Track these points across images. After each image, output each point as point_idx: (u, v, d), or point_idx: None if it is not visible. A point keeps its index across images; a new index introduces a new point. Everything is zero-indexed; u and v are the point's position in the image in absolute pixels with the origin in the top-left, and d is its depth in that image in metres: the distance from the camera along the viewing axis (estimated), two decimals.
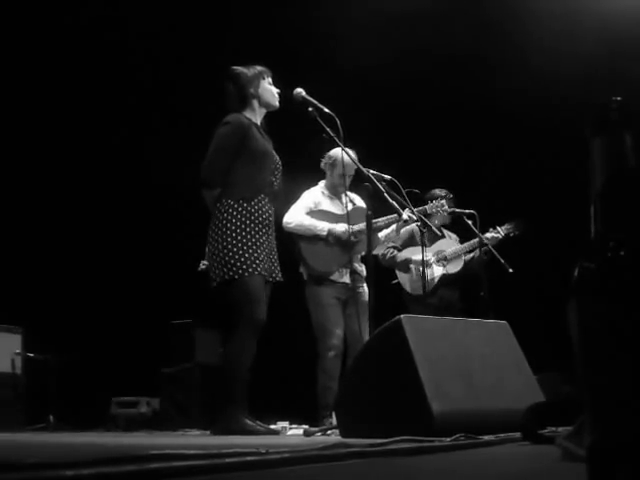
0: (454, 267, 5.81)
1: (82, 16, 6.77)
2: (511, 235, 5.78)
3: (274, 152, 4.40)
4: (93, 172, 7.47)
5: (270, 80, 4.43)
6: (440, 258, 5.84)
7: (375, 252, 5.28)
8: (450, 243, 5.90)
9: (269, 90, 4.41)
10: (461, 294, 5.98)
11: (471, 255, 5.86)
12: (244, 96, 4.38)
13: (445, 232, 6.03)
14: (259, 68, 4.41)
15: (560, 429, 2.29)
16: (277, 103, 4.44)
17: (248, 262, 4.09)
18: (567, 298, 0.95)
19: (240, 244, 4.12)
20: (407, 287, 5.84)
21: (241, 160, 4.23)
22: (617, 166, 0.99)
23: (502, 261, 5.52)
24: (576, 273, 0.92)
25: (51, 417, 6.33)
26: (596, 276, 0.90)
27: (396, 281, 5.92)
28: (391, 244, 5.93)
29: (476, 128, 6.68)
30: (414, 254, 5.78)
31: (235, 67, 4.42)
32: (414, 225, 5.32)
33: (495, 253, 5.56)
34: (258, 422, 4.16)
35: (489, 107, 6.57)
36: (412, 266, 5.78)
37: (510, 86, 6.26)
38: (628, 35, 5.96)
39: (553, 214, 6.33)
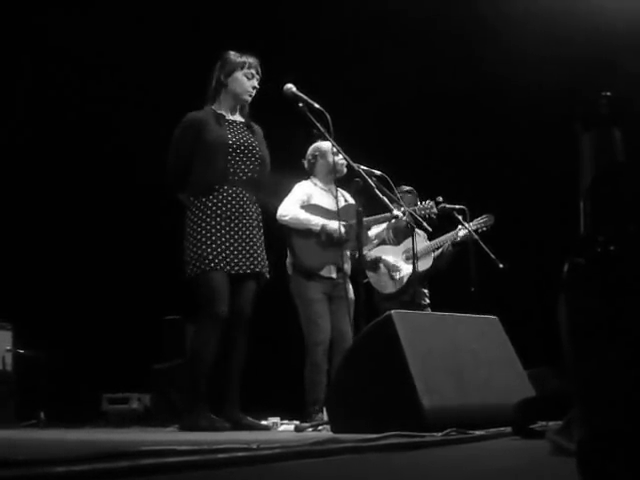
0: (423, 264, 5.80)
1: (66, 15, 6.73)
2: (480, 231, 5.71)
3: (252, 142, 4.28)
4: (83, 168, 7.42)
5: (251, 72, 4.29)
6: (409, 256, 5.83)
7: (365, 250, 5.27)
8: (420, 240, 5.87)
9: (240, 81, 4.28)
10: (430, 290, 5.98)
11: (440, 251, 5.85)
12: (217, 82, 4.32)
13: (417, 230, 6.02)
14: (243, 58, 4.29)
15: (550, 424, 2.31)
16: (247, 97, 4.33)
17: (206, 259, 4.06)
18: (557, 293, 0.95)
19: (195, 241, 4.10)
20: (377, 286, 5.84)
21: (196, 156, 4.21)
22: (606, 162, 0.99)
23: (492, 256, 5.53)
24: (566, 268, 0.92)
25: (42, 414, 6.29)
26: (586, 271, 0.90)
27: (366, 280, 5.88)
28: None
29: (467, 124, 6.68)
30: (383, 253, 5.80)
31: (229, 51, 4.34)
32: (383, 225, 5.42)
33: (485, 248, 5.55)
34: (249, 417, 4.16)
35: (479, 102, 6.58)
36: (381, 265, 5.80)
37: (499, 78, 6.25)
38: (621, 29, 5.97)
39: (543, 209, 6.34)
